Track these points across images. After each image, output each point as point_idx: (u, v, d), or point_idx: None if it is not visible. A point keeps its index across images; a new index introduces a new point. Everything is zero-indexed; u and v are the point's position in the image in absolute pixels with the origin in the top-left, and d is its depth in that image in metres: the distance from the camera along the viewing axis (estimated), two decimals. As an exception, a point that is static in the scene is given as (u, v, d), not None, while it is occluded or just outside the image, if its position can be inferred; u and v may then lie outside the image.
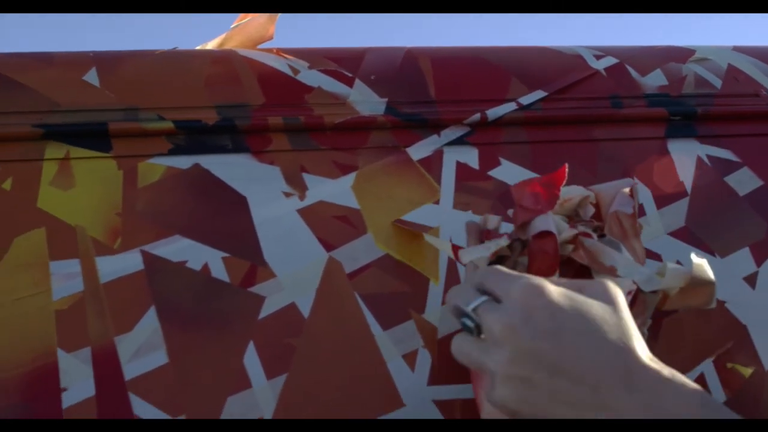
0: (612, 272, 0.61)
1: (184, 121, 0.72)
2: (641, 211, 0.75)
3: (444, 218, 0.73)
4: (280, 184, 0.72)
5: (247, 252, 0.70)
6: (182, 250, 0.69)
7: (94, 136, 0.71)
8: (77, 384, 0.65)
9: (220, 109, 0.73)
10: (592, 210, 0.66)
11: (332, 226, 0.71)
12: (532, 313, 0.47)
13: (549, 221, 0.61)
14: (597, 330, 0.46)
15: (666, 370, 0.47)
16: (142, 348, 0.66)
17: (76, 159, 0.70)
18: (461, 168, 0.75)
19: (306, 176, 0.72)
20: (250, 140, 0.73)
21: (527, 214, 0.62)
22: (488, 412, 0.59)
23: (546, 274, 0.58)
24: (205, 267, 0.69)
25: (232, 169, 0.72)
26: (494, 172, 0.75)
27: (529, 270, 0.61)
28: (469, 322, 0.51)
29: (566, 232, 0.62)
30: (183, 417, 0.65)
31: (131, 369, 0.66)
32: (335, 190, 0.72)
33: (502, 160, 0.76)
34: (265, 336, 0.68)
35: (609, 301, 0.49)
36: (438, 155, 0.75)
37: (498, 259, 0.62)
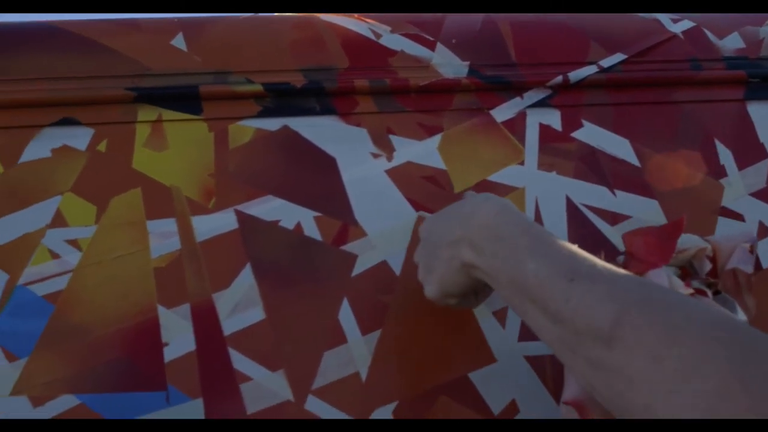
0: None
1: (273, 84, 0.73)
2: (723, 172, 0.76)
3: (528, 179, 0.74)
4: (367, 146, 0.73)
5: (339, 211, 0.71)
6: (275, 209, 0.70)
7: (185, 99, 0.72)
8: (178, 339, 0.66)
9: (307, 73, 0.74)
10: (708, 266, 0.64)
11: (420, 186, 0.72)
12: (420, 235, 0.64)
13: (663, 277, 0.59)
14: (449, 212, 0.60)
15: (487, 197, 0.58)
16: (240, 304, 0.67)
17: (168, 122, 0.71)
18: (544, 130, 0.75)
19: (393, 138, 0.73)
20: (337, 102, 0.74)
21: (640, 266, 0.61)
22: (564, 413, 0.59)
23: None
24: (298, 226, 0.70)
25: (320, 130, 0.73)
26: (577, 134, 0.76)
27: None
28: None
29: (682, 290, 0.60)
30: (282, 372, 0.66)
31: (230, 324, 0.67)
32: (422, 151, 0.73)
33: (584, 122, 0.76)
34: (359, 293, 0.69)
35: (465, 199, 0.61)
36: (521, 117, 0.76)
37: None
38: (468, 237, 0.55)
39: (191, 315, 0.67)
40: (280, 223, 0.70)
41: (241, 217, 0.69)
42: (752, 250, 0.64)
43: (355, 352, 0.67)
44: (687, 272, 0.64)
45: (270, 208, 0.70)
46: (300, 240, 0.69)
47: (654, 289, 0.45)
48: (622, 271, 0.48)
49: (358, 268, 0.69)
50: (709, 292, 0.62)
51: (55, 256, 0.67)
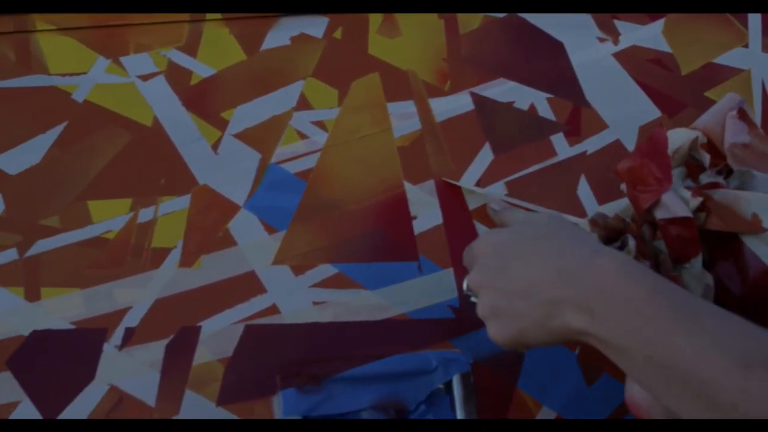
0: (757, 226, 0.55)
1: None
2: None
3: (754, 61, 0.74)
4: (593, 30, 0.74)
5: (570, 93, 0.72)
6: (508, 91, 0.72)
7: (412, -11, 0.74)
8: (425, 212, 0.68)
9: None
10: (707, 157, 0.60)
11: (647, 68, 0.73)
12: (484, 262, 0.53)
13: (677, 201, 0.57)
14: (532, 249, 0.50)
15: (595, 247, 0.48)
16: (482, 180, 0.69)
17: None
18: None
19: (617, 23, 0.74)
20: (559, -10, 0.75)
21: (648, 196, 0.59)
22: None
23: (689, 257, 0.57)
24: (532, 107, 0.71)
25: (546, 18, 0.74)
26: (800, 16, 0.76)
27: (671, 255, 0.58)
28: (472, 298, 0.55)
29: (692, 201, 0.58)
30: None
31: (474, 200, 0.69)
32: (646, 35, 0.74)
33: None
34: (595, 169, 0.70)
35: (541, 226, 0.53)
36: None
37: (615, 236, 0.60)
38: (577, 302, 0.46)
39: (436, 191, 0.69)
40: (515, 104, 0.71)
41: (477, 98, 0.71)
42: (742, 116, 0.60)
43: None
44: (692, 166, 0.61)
45: (504, 90, 0.72)
46: (534, 120, 0.71)
47: None
48: None
49: (593, 146, 0.71)
50: (721, 179, 0.59)
51: (303, 136, 0.69)
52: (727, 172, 0.61)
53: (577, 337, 0.47)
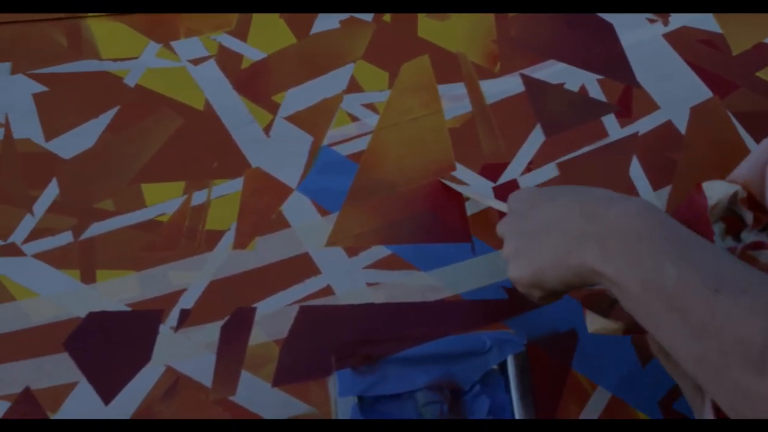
0: None
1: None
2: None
3: (805, 41, 0.74)
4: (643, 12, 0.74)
5: (620, 74, 0.72)
6: (559, 73, 0.72)
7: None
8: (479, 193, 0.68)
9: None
10: (749, 214, 0.56)
11: (697, 48, 0.73)
12: (514, 207, 0.56)
13: None
14: (560, 193, 0.53)
15: (618, 196, 0.50)
16: (533, 162, 0.69)
17: (445, -7, 0.73)
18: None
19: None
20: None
21: None
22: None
23: None
24: (582, 88, 0.71)
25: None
26: None
27: None
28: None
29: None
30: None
31: (526, 180, 0.68)
32: (696, 17, 0.74)
33: None
34: (647, 150, 0.70)
35: (573, 185, 0.57)
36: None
37: None
38: (597, 236, 0.47)
39: (488, 172, 0.69)
40: (565, 86, 0.71)
41: (527, 80, 0.71)
42: None
43: (648, 207, 0.68)
44: (732, 221, 0.56)
45: (554, 72, 0.72)
46: (585, 101, 0.71)
47: None
48: None
49: (645, 127, 0.70)
50: (766, 238, 0.55)
51: (354, 119, 0.69)
52: None
53: (591, 276, 0.48)
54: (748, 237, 0.56)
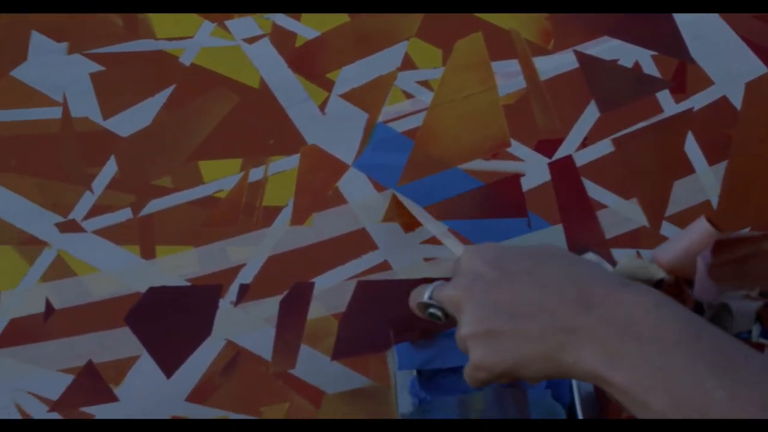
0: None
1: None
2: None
3: None
4: (696, -13, 0.73)
5: (674, 50, 0.71)
6: (613, 49, 0.71)
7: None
8: (533, 171, 0.68)
9: None
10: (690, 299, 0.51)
11: (752, 24, 0.72)
12: (479, 270, 0.46)
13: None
14: (543, 266, 0.44)
15: (622, 281, 0.43)
16: (588, 138, 0.69)
17: (497, -29, 0.73)
18: None
19: (720, -21, 0.74)
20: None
21: None
22: None
23: None
24: (636, 64, 0.71)
25: (646, -25, 0.73)
26: None
27: None
28: (434, 311, 0.50)
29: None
30: (635, 200, 0.67)
31: (581, 156, 0.69)
32: (750, -9, 0.73)
33: None
34: (702, 126, 0.70)
35: (551, 247, 0.48)
36: None
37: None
38: (597, 334, 0.40)
39: (543, 148, 0.69)
40: (619, 62, 0.71)
41: (581, 57, 0.71)
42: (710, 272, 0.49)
43: (703, 182, 0.68)
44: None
45: (607, 48, 0.71)
46: (639, 77, 0.71)
47: None
48: None
49: (699, 102, 0.70)
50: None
51: (408, 96, 0.70)
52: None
53: (588, 379, 0.41)
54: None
